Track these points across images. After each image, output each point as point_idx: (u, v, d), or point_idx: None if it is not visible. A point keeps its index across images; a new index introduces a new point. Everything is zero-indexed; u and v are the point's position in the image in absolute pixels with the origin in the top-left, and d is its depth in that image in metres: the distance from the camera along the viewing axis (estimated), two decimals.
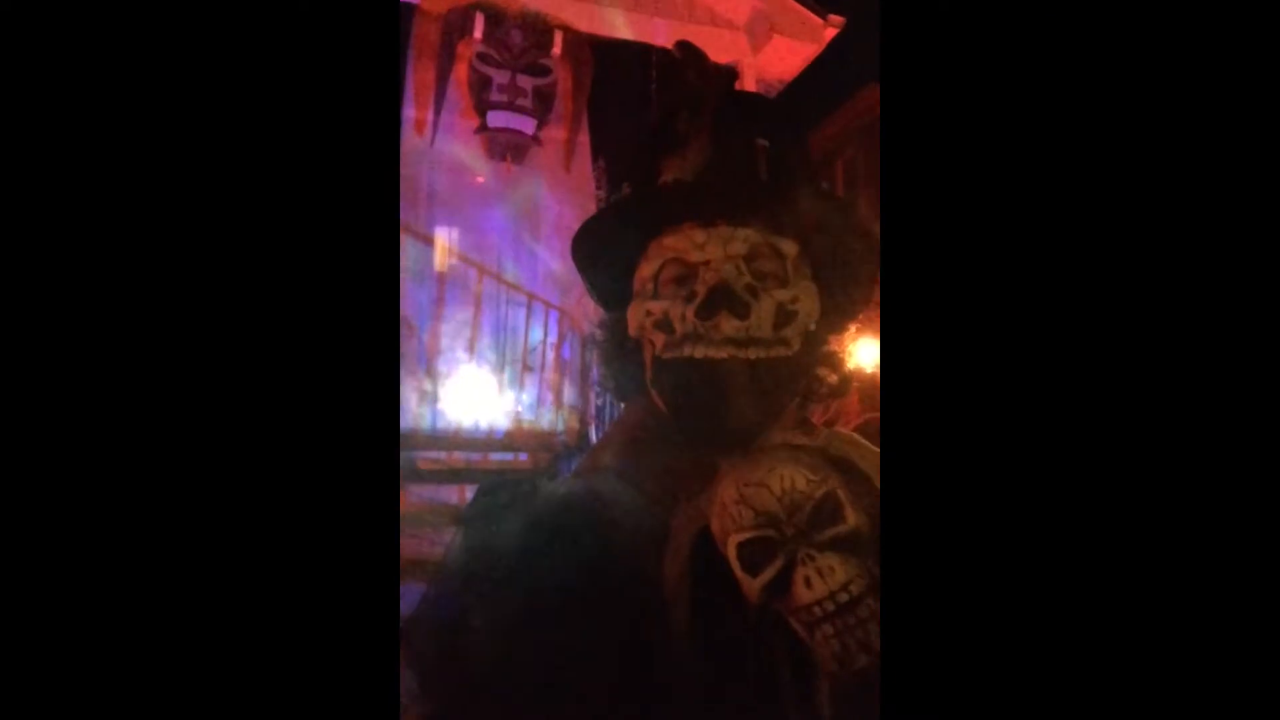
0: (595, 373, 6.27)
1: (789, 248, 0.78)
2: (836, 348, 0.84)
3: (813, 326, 0.78)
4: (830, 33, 5.90)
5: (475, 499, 0.83)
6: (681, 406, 0.76)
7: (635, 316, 0.80)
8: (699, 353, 0.73)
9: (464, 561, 0.77)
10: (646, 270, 0.80)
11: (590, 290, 0.90)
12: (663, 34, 5.94)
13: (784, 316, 0.75)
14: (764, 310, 0.74)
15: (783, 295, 0.76)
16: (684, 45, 0.86)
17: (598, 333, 0.90)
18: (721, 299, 0.72)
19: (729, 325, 0.72)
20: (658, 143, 0.81)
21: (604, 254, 0.85)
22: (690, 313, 0.73)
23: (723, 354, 0.72)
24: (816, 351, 0.81)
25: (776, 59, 6.07)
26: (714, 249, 0.75)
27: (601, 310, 0.90)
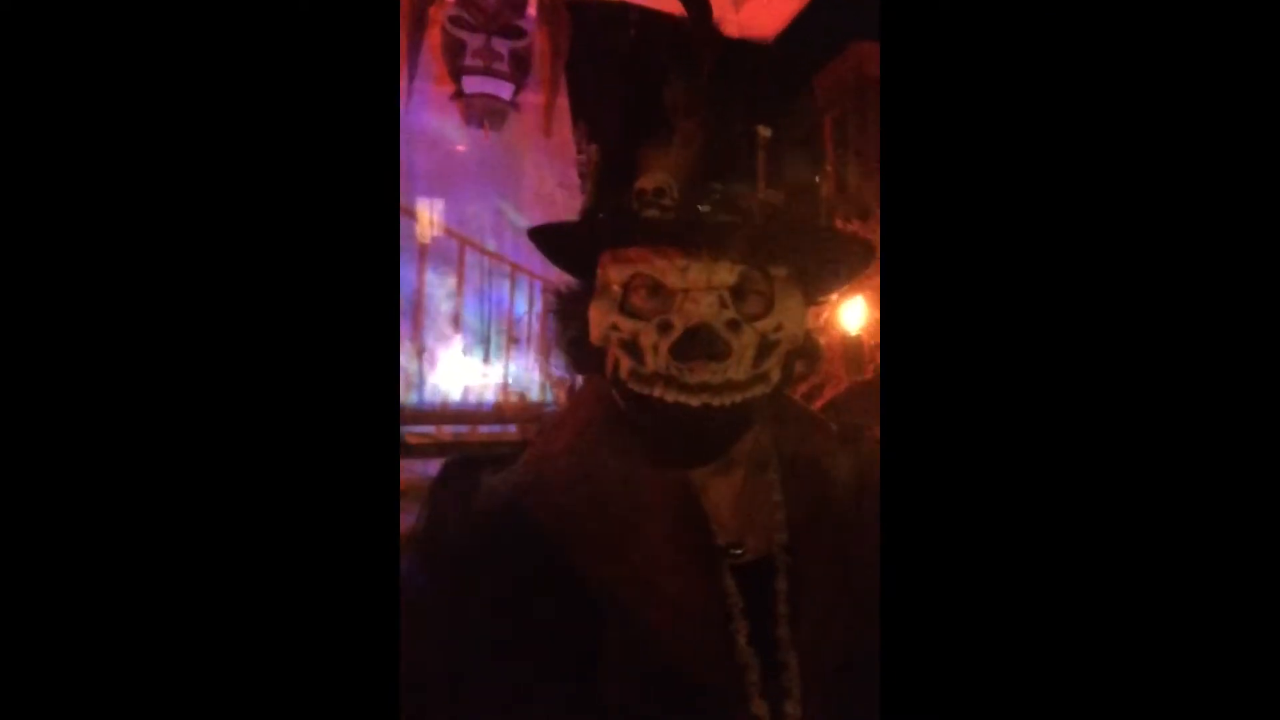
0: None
1: (779, 270, 0.69)
2: (810, 327, 0.76)
3: (797, 344, 0.72)
4: None
5: (439, 477, 0.78)
6: (647, 437, 0.71)
7: (599, 323, 0.71)
8: (670, 397, 0.66)
9: (424, 541, 0.73)
10: (615, 274, 0.70)
11: (552, 262, 0.82)
12: None
13: (765, 349, 0.68)
14: (745, 345, 0.67)
15: (766, 325, 0.68)
16: None
17: (553, 299, 0.81)
18: (701, 342, 0.65)
19: (705, 370, 0.66)
20: (638, 118, 0.69)
21: (568, 251, 0.77)
22: (664, 347, 0.66)
23: (696, 402, 0.66)
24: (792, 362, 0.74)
25: (760, 14, 5.64)
26: (697, 277, 0.66)
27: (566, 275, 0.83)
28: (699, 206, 0.65)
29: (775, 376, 0.70)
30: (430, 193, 5.86)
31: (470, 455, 0.79)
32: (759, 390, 0.69)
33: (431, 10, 5.39)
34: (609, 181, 0.70)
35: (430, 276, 5.97)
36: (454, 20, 5.43)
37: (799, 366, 0.75)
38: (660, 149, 0.66)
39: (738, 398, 0.67)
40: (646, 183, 0.65)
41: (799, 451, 0.77)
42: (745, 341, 0.67)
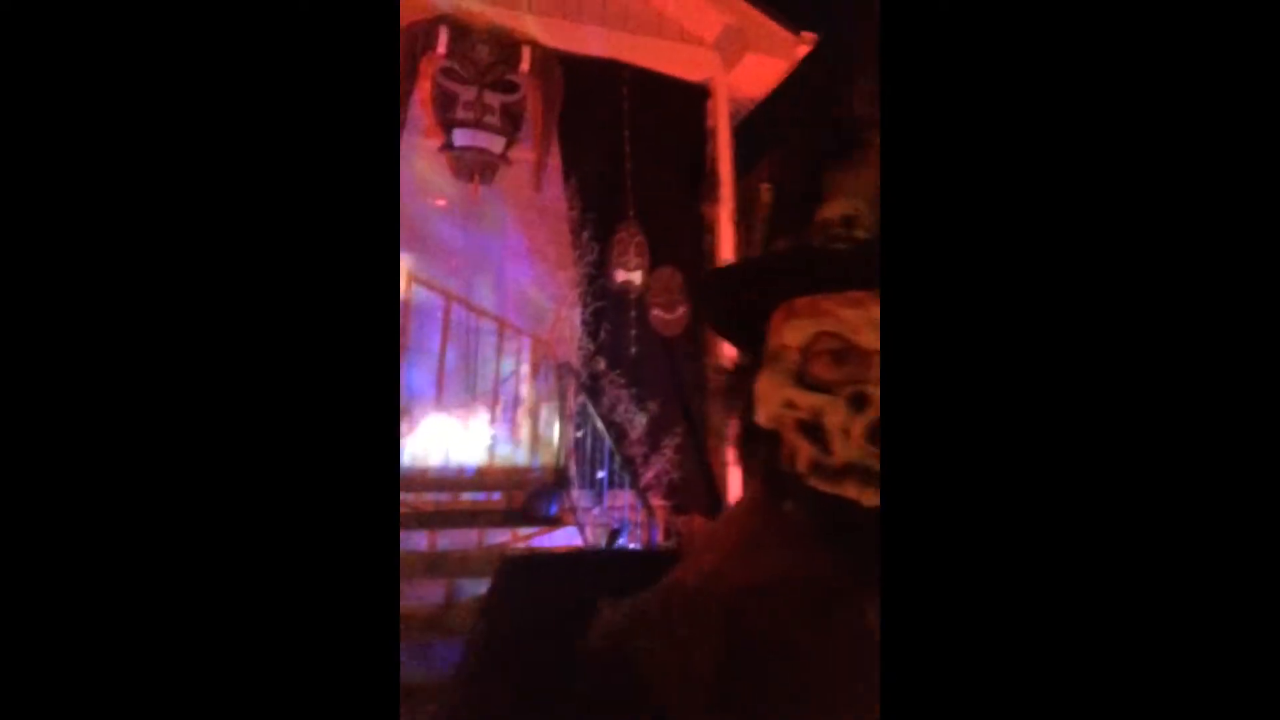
0: (574, 403, 5.30)
1: None
2: None
3: None
4: (803, 50, 5.66)
5: (498, 585, 0.58)
6: (838, 557, 0.51)
7: (769, 399, 0.53)
8: (868, 499, 0.48)
9: (488, 658, 0.55)
10: (791, 335, 0.53)
11: (715, 326, 0.64)
12: (632, 50, 5.44)
13: None
14: None
15: None
16: None
17: (718, 378, 0.62)
18: None
19: None
20: (818, 136, 0.56)
21: (734, 308, 0.59)
22: (859, 428, 0.49)
23: None
24: None
25: (749, 76, 5.70)
26: None
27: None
28: None
29: None
30: (416, 247, 5.81)
31: (530, 557, 0.60)
32: None
33: (423, 63, 5.49)
34: (785, 217, 0.56)
35: (412, 333, 5.81)
36: (446, 73, 5.33)
37: None
38: (847, 170, 0.52)
39: None
40: (831, 210, 0.51)
41: None
42: None
